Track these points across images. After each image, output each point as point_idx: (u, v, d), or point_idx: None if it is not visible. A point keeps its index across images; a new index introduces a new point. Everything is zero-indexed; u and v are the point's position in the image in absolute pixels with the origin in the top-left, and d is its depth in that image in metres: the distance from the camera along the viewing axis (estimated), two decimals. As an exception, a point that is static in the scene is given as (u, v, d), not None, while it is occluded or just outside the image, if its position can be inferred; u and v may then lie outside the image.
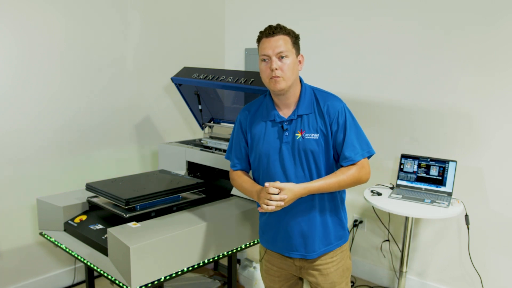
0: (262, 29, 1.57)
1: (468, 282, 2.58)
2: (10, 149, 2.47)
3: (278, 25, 1.55)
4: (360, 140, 1.59)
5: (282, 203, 1.49)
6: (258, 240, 2.10)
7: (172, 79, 2.65)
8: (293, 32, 1.58)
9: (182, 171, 2.62)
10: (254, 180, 1.71)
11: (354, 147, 1.57)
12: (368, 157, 1.62)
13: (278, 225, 1.66)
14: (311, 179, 1.57)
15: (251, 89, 2.23)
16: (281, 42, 1.52)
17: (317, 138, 1.57)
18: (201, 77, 2.50)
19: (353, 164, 1.57)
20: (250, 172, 1.77)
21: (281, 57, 1.52)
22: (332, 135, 1.57)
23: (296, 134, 1.58)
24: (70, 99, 2.68)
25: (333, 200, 1.64)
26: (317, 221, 1.62)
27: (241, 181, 1.71)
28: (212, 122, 2.86)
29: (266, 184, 1.51)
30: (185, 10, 3.28)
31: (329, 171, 1.60)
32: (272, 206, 1.48)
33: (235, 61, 3.60)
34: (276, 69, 1.51)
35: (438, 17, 2.51)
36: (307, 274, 1.69)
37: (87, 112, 2.78)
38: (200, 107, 2.79)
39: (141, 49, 3.03)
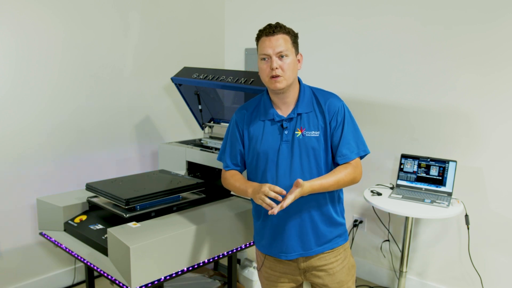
0: (262, 28, 1.56)
1: (468, 282, 2.58)
2: (10, 149, 2.47)
3: (278, 23, 1.54)
4: (356, 139, 1.60)
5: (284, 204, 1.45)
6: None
7: (172, 79, 2.65)
8: (293, 31, 1.58)
9: (182, 171, 2.62)
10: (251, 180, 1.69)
11: (351, 145, 1.57)
12: (362, 157, 1.63)
13: (275, 226, 1.63)
14: (311, 177, 1.56)
15: (251, 89, 2.23)
16: (281, 41, 1.52)
17: (317, 135, 1.57)
18: (201, 77, 2.50)
19: (348, 163, 1.58)
20: (244, 173, 1.76)
21: (281, 56, 1.52)
22: (331, 132, 1.58)
23: (296, 132, 1.58)
24: (70, 99, 2.68)
25: (331, 198, 1.63)
26: (315, 220, 1.61)
27: (234, 180, 1.68)
28: (212, 122, 2.86)
29: (278, 191, 1.45)
30: (185, 10, 3.28)
31: (328, 169, 1.60)
32: (276, 208, 1.44)
33: (235, 61, 3.60)
34: (276, 68, 1.51)
35: (438, 16, 2.51)
36: (312, 276, 1.67)
37: (87, 112, 2.78)
38: (200, 107, 2.79)
39: (141, 49, 3.03)
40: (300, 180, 1.45)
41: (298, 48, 1.60)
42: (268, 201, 1.45)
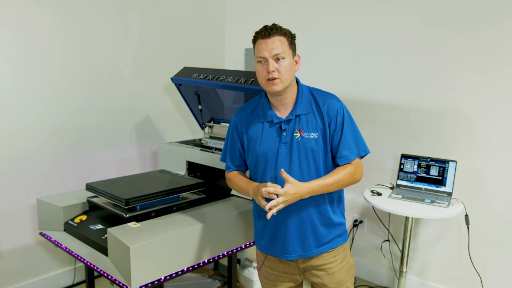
0: (258, 30, 1.55)
1: (468, 282, 2.58)
2: (10, 149, 2.47)
3: (274, 25, 1.53)
4: (356, 139, 1.59)
5: (280, 206, 1.47)
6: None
7: (172, 79, 2.65)
8: (289, 32, 1.56)
9: (182, 171, 2.62)
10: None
11: (351, 146, 1.57)
12: (362, 157, 1.63)
13: (276, 227, 1.64)
14: (310, 179, 1.56)
15: (251, 89, 2.23)
16: (278, 44, 1.50)
17: (316, 137, 1.56)
18: (201, 77, 2.50)
19: (349, 163, 1.58)
20: (247, 172, 1.77)
21: (277, 59, 1.51)
22: (330, 133, 1.57)
23: (295, 134, 1.57)
24: (70, 99, 2.68)
25: (330, 199, 1.63)
26: (314, 221, 1.61)
27: (237, 180, 1.69)
28: (212, 122, 2.86)
29: (271, 190, 1.46)
30: (185, 10, 3.28)
31: (327, 171, 1.59)
32: (275, 208, 1.45)
33: (235, 61, 3.60)
34: (273, 71, 1.50)
35: (438, 16, 2.51)
36: (312, 276, 1.67)
37: (87, 112, 2.78)
38: (200, 107, 2.79)
39: (141, 49, 3.03)
40: (284, 171, 1.46)
41: (295, 49, 1.58)
42: (263, 203, 1.47)
